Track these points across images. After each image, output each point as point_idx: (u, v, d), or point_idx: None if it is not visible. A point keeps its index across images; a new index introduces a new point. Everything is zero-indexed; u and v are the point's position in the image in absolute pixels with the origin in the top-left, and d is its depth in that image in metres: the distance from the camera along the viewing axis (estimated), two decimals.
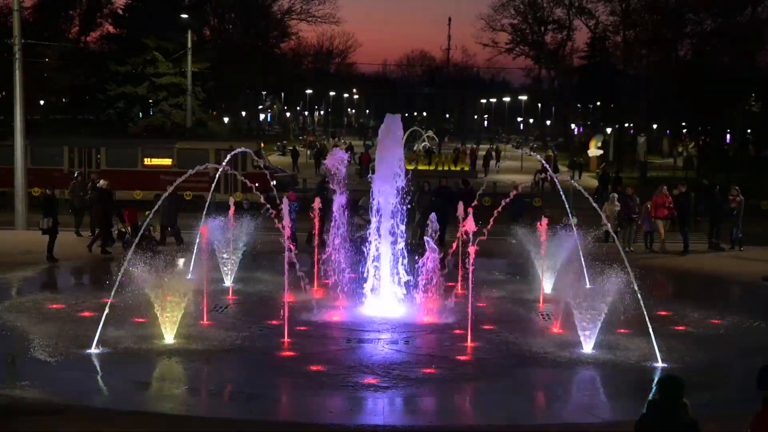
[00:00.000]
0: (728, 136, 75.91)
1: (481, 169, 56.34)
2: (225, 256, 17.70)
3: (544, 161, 27.38)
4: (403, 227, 16.21)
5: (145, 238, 21.86)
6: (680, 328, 15.17)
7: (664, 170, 58.36)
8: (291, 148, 64.22)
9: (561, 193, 19.67)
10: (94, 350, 12.84)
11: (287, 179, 43.91)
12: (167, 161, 35.13)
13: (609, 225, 20.24)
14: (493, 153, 62.89)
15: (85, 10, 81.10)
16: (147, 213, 21.12)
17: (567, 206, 19.53)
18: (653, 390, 6.85)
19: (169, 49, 55.93)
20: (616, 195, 25.21)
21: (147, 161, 35.31)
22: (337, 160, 15.82)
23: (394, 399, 11.24)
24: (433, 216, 16.90)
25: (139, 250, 15.37)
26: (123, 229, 22.99)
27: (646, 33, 74.34)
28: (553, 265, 17.81)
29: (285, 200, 17.85)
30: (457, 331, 14.37)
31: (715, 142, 74.50)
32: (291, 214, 19.02)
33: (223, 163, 18.50)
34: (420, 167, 57.34)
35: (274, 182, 20.75)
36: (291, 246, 14.05)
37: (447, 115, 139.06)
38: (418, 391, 11.61)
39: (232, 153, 19.63)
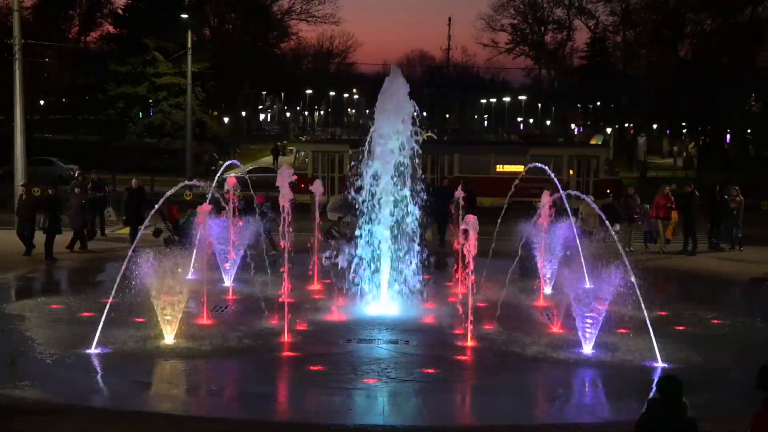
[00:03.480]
0: (728, 136, 75.91)
1: None
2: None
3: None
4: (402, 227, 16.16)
5: (186, 235, 21.94)
6: (680, 328, 15.17)
7: (664, 170, 58.38)
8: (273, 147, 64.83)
9: (562, 192, 19.65)
10: (94, 350, 12.84)
11: None
12: (520, 168, 34.91)
13: (587, 226, 20.02)
14: None
15: (85, 10, 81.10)
16: (189, 211, 21.13)
17: (567, 206, 19.49)
18: (653, 390, 6.85)
19: (169, 49, 55.87)
20: (592, 197, 25.14)
21: (499, 168, 35.12)
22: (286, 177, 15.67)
23: (394, 399, 11.24)
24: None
25: (179, 247, 15.47)
26: (162, 227, 23.06)
27: (646, 33, 74.35)
28: (552, 264, 17.81)
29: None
30: (457, 331, 14.37)
31: (715, 142, 74.50)
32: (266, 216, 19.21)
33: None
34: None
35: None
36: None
37: (447, 115, 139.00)
38: (418, 391, 11.61)
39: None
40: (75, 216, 22.48)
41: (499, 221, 17.02)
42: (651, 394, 6.83)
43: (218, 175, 19.36)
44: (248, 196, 20.10)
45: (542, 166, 19.49)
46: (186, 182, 18.27)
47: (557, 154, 37.01)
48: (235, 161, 22.52)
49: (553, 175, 18.72)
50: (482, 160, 36.06)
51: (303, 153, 39.59)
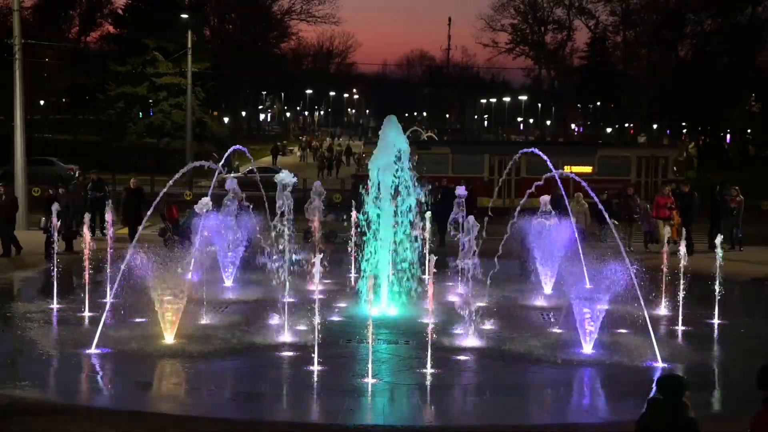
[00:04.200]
0: (728, 136, 75.94)
1: None
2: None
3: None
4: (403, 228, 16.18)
5: (186, 235, 21.97)
6: (680, 328, 15.17)
7: None
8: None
9: (562, 192, 19.68)
10: (94, 350, 12.84)
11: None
12: (587, 169, 34.73)
13: (578, 223, 19.98)
14: None
15: (85, 10, 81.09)
16: (188, 211, 21.11)
17: (568, 206, 19.52)
18: (653, 389, 6.84)
19: (169, 49, 55.86)
20: (581, 194, 25.19)
21: (566, 168, 35.10)
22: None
23: (394, 399, 11.25)
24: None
25: (179, 246, 15.49)
26: (164, 226, 23.11)
27: (646, 33, 74.38)
28: (552, 264, 17.82)
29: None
30: (458, 331, 14.37)
31: (715, 142, 74.54)
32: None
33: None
34: None
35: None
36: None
37: (447, 115, 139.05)
38: (418, 391, 11.61)
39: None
40: (133, 215, 22.44)
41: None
42: (651, 393, 6.81)
43: (231, 169, 19.41)
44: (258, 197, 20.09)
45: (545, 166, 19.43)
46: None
47: (625, 154, 36.86)
48: (241, 147, 22.41)
49: (575, 176, 18.71)
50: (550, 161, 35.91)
51: (365, 155, 39.44)
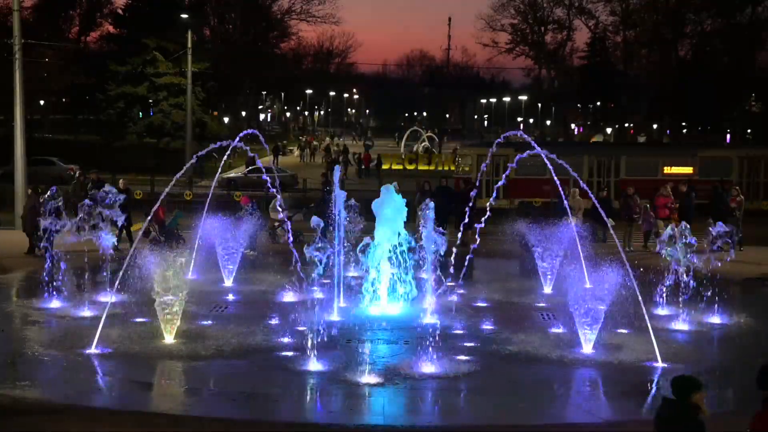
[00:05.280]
0: (728, 135, 75.95)
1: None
2: None
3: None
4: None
5: (173, 236, 22.04)
6: (680, 328, 15.17)
7: None
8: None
9: (561, 192, 19.67)
10: (94, 350, 12.84)
11: (288, 179, 43.99)
12: (688, 170, 34.56)
13: (575, 217, 19.96)
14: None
15: (85, 10, 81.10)
16: (175, 212, 21.14)
17: (566, 204, 19.52)
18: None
19: (169, 49, 55.87)
20: (576, 190, 25.15)
21: (667, 170, 34.90)
22: None
23: (394, 399, 11.25)
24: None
25: (167, 248, 15.48)
26: (150, 228, 23.09)
27: (646, 33, 74.38)
28: (552, 264, 17.82)
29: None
30: (458, 331, 14.37)
31: (715, 142, 74.55)
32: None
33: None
34: (420, 167, 57.44)
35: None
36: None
37: (447, 115, 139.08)
38: (418, 391, 11.61)
39: None
40: (26, 219, 21.69)
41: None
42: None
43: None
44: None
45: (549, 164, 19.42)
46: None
47: (726, 155, 36.63)
48: (255, 131, 22.41)
49: (575, 175, 18.67)
50: (649, 162, 35.83)
51: (468, 157, 39.31)
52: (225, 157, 19.64)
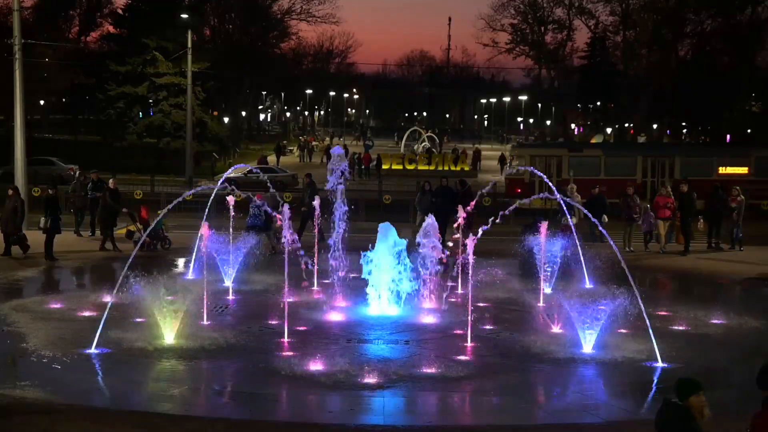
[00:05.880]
0: (728, 135, 75.98)
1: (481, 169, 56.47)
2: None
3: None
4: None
5: (158, 237, 22.06)
6: (680, 328, 15.17)
7: None
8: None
9: (557, 194, 19.68)
10: (94, 350, 12.84)
11: (288, 179, 44.01)
12: (743, 170, 34.58)
13: (570, 219, 19.93)
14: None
15: (85, 10, 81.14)
16: (159, 212, 21.15)
17: (563, 206, 19.52)
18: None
19: (169, 49, 55.89)
20: (574, 186, 24.98)
21: (722, 170, 34.87)
22: None
23: (394, 399, 11.24)
24: (431, 216, 16.83)
25: (150, 249, 15.46)
26: (133, 228, 23.09)
27: (646, 33, 74.35)
28: (552, 265, 17.82)
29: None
30: (457, 331, 14.37)
31: (715, 142, 74.55)
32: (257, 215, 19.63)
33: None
34: (420, 167, 57.47)
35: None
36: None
37: (447, 115, 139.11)
38: (418, 391, 11.61)
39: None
40: (6, 220, 21.55)
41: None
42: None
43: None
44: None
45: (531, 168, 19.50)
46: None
47: None
48: (267, 163, 22.35)
49: (545, 177, 18.84)
50: (704, 162, 35.83)
51: (522, 158, 39.30)
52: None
